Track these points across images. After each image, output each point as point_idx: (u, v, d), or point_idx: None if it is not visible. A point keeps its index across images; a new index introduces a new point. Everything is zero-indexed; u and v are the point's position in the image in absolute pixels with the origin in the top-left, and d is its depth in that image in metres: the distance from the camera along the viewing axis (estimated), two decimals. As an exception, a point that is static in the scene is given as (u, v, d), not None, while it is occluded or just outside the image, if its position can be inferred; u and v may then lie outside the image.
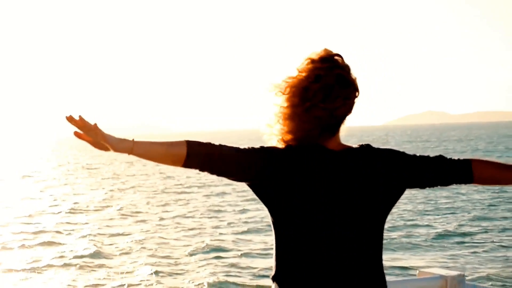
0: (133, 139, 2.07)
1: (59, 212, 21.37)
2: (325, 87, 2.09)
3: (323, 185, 2.09)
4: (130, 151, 2.06)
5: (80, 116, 1.99)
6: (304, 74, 2.13)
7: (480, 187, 19.71)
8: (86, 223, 18.69)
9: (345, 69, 2.16)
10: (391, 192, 2.15)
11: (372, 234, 2.13)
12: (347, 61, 2.16)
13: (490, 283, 10.50)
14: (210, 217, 19.43)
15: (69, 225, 18.30)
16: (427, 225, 16.93)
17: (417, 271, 3.22)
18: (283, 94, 2.13)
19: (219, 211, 20.89)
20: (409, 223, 17.26)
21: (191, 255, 13.49)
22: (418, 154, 2.22)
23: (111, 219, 19.64)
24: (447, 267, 10.93)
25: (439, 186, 2.21)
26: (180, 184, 31.77)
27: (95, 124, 2.01)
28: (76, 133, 2.02)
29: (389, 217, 2.24)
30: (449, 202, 21.48)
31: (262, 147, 2.15)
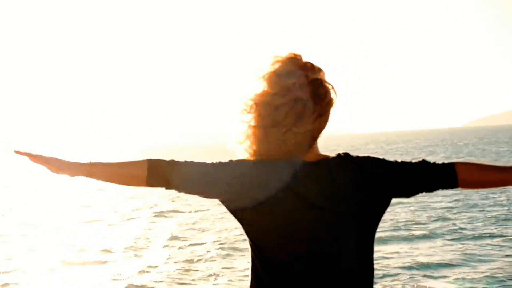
0: (89, 161, 2.04)
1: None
2: (297, 105, 1.95)
3: (299, 200, 1.98)
4: (88, 174, 2.03)
5: (21, 151, 2.02)
6: (269, 89, 1.98)
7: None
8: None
9: (318, 76, 2.01)
10: (373, 202, 2.02)
11: (357, 248, 2.01)
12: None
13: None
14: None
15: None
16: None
17: (415, 285, 3.24)
18: (249, 113, 2.00)
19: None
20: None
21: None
22: (399, 160, 2.10)
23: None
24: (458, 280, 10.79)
25: (424, 192, 2.08)
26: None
27: (29, 153, 2.02)
28: (34, 160, 2.04)
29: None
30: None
31: (230, 162, 2.05)
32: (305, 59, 2.05)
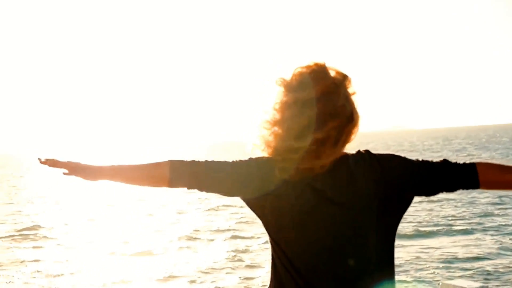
0: (112, 165, 2.05)
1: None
2: (314, 115, 1.94)
3: (318, 196, 1.97)
4: (110, 178, 2.04)
5: (46, 159, 2.04)
6: (289, 98, 1.98)
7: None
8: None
9: (337, 88, 1.98)
10: (393, 200, 2.00)
11: (377, 245, 1.99)
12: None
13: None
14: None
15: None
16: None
17: (440, 283, 3.18)
18: (268, 120, 2.01)
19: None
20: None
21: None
22: (421, 159, 2.07)
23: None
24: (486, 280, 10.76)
25: (444, 192, 2.06)
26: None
27: (54, 160, 2.04)
28: (63, 173, 2.04)
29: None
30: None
31: (250, 159, 2.06)
32: (331, 65, 2.03)
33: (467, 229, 16.16)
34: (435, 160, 2.08)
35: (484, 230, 15.99)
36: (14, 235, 19.28)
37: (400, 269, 11.89)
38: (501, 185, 2.05)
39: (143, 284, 11.79)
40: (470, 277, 10.93)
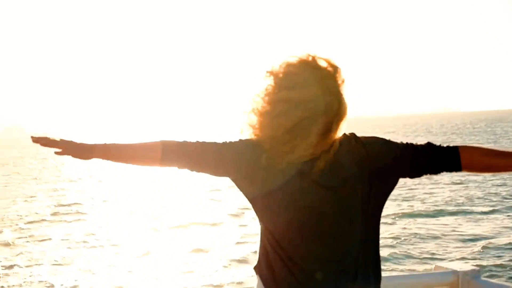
0: (104, 144, 2.08)
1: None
2: (302, 105, 1.96)
3: (306, 180, 1.99)
4: (102, 156, 2.07)
5: (39, 137, 2.04)
6: (277, 88, 1.99)
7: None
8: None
9: (328, 80, 1.99)
10: (378, 182, 2.03)
11: (363, 226, 2.03)
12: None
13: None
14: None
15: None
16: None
17: (434, 265, 3.07)
18: (256, 109, 2.02)
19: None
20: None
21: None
22: (405, 142, 2.10)
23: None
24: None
25: (428, 175, 2.10)
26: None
27: (47, 138, 2.05)
28: (55, 153, 2.04)
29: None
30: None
31: (240, 141, 2.07)
32: (321, 54, 2.03)
33: (488, 210, 16.65)
34: (419, 143, 2.11)
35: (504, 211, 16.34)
36: (56, 212, 20.61)
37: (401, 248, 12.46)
38: (483, 168, 2.10)
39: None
40: (463, 259, 11.38)
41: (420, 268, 10.91)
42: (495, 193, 19.76)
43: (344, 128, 2.02)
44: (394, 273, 6.96)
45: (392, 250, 12.29)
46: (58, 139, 2.04)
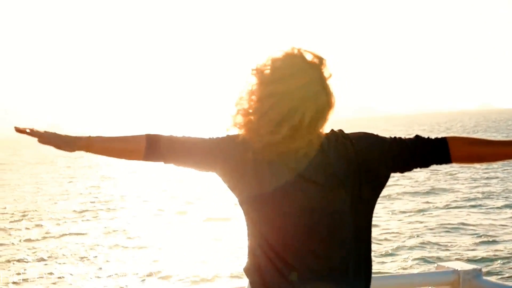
0: (88, 136, 2.07)
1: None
2: (285, 99, 1.94)
3: (292, 174, 1.97)
4: (86, 149, 2.07)
5: (23, 128, 2.07)
6: (261, 83, 1.97)
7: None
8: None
9: (314, 73, 1.97)
10: (368, 178, 2.00)
11: (353, 222, 2.00)
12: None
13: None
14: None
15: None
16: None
17: (436, 264, 3.10)
18: (241, 105, 2.00)
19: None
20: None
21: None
22: (393, 136, 2.08)
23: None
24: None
25: (418, 168, 2.07)
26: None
27: (31, 129, 2.06)
28: (38, 141, 2.07)
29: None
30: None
31: (227, 136, 2.06)
32: (308, 48, 2.02)
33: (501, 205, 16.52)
34: (407, 137, 2.10)
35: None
36: (90, 209, 21.07)
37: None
38: (472, 159, 2.06)
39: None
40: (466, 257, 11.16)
41: (423, 267, 10.88)
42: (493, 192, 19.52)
43: (331, 121, 2.01)
44: (395, 272, 6.83)
45: (393, 247, 11.91)
46: (42, 131, 2.07)
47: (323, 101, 1.96)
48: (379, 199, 2.05)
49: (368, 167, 2.00)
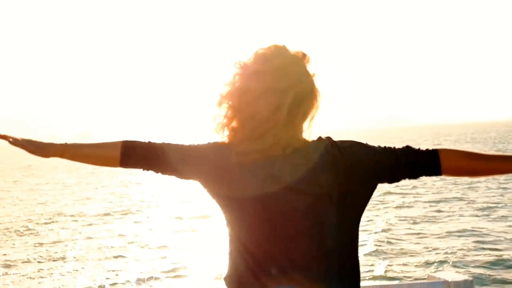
0: (65, 143, 2.08)
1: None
2: (270, 96, 1.93)
3: (276, 182, 1.93)
4: (60, 155, 2.07)
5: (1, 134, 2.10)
6: (245, 80, 1.97)
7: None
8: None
9: (298, 68, 1.98)
10: (355, 187, 1.95)
11: (339, 232, 1.94)
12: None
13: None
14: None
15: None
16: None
17: (427, 275, 3.03)
18: (225, 103, 1.99)
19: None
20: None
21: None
22: (382, 146, 2.02)
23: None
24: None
25: (407, 179, 2.02)
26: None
27: (5, 134, 2.10)
28: (9, 142, 2.09)
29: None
30: None
31: (208, 143, 2.04)
32: (291, 46, 2.01)
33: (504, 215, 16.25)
34: (398, 147, 2.04)
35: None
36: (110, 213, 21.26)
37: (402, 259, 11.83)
38: (464, 172, 2.02)
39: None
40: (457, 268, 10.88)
41: (415, 275, 10.77)
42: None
43: (317, 122, 2.00)
44: (385, 282, 6.79)
45: (384, 256, 11.55)
46: (19, 138, 2.09)
47: (306, 97, 1.95)
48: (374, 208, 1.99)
49: (355, 176, 1.95)
